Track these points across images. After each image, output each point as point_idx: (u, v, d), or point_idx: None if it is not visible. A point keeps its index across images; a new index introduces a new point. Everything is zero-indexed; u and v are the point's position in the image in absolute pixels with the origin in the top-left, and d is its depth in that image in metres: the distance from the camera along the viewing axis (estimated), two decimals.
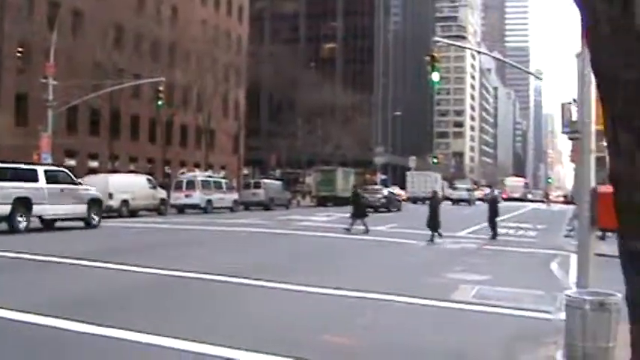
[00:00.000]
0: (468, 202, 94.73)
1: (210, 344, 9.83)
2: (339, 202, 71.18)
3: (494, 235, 32.86)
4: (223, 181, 59.02)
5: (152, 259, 19.82)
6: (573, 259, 19.43)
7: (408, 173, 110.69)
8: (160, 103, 57.81)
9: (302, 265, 21.13)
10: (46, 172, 31.79)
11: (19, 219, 29.28)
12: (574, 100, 24.96)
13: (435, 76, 39.30)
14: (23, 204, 29.41)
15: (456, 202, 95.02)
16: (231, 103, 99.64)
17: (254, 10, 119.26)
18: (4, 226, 29.24)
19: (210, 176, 58.76)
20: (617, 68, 4.88)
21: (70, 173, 34.50)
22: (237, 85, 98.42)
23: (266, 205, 62.04)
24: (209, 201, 52.96)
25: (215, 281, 16.30)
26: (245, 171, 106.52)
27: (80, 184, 34.76)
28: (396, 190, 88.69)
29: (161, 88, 56.50)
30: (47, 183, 31.00)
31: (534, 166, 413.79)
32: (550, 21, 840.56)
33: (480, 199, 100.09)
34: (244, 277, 16.60)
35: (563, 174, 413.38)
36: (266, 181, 68.27)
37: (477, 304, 14.33)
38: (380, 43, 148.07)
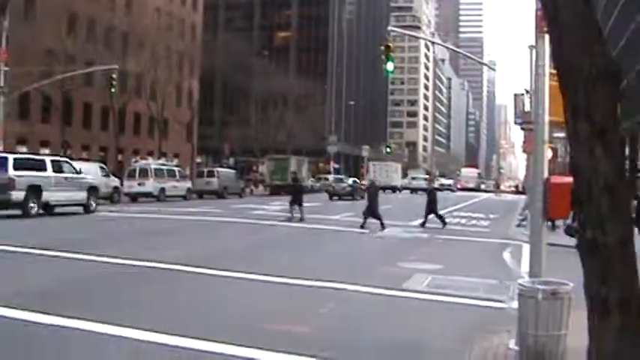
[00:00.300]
0: (426, 190, 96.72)
1: (167, 334, 9.82)
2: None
3: (444, 224, 33.30)
4: (177, 169, 58.85)
5: (119, 249, 19.75)
6: (525, 248, 19.63)
7: (370, 163, 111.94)
8: (113, 90, 57.39)
9: (257, 254, 21.08)
10: (52, 162, 35.11)
11: (31, 205, 32.46)
12: (527, 91, 25.22)
13: (390, 66, 39.44)
14: (35, 191, 32.56)
15: (415, 191, 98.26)
16: (185, 92, 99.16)
17: None
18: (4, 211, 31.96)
19: (163, 164, 58.49)
20: (579, 59, 4.94)
21: (72, 163, 37.96)
22: (191, 73, 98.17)
23: (219, 194, 61.87)
24: (162, 189, 52.74)
25: (173, 270, 16.26)
26: (198, 159, 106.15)
27: (80, 172, 37.47)
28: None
29: (114, 76, 56.06)
30: (53, 172, 34.29)
31: (487, 157, 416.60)
32: (504, 12, 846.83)
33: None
34: (200, 267, 16.58)
35: (516, 164, 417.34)
36: (220, 169, 68.29)
37: (430, 293, 14.42)
38: (334, 32, 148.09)
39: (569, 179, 5.68)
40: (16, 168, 31.58)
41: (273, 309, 12.47)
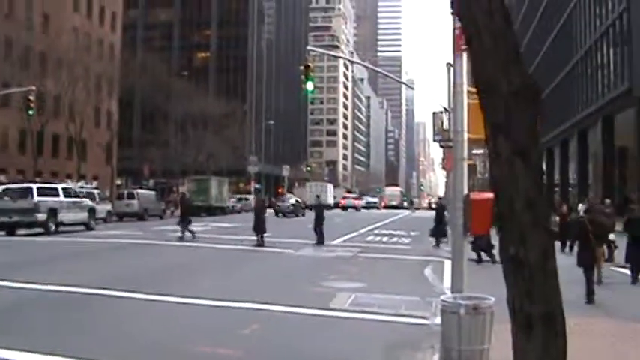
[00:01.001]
0: (356, 208, 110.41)
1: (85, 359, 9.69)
2: (213, 211, 72.31)
3: (321, 241, 34.01)
4: (96, 191, 58.00)
5: (37, 274, 19.39)
6: (446, 264, 19.82)
7: (307, 184, 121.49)
8: (30, 112, 56.48)
9: (180, 276, 20.91)
10: (62, 189, 42.40)
11: (50, 224, 39.09)
12: (445, 109, 25.49)
13: (309, 86, 39.36)
14: (53, 213, 39.27)
15: (346, 209, 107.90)
16: (104, 112, 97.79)
17: (127, 18, 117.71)
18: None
19: (82, 187, 57.62)
20: (498, 79, 5.01)
21: (75, 189, 46.37)
22: (110, 94, 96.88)
23: (140, 216, 61.19)
24: None
25: (92, 294, 16.00)
26: (118, 181, 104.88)
27: (82, 197, 44.61)
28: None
29: (32, 97, 55.15)
30: (64, 197, 41.10)
31: (407, 174, 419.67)
32: (422, 31, 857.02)
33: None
34: (119, 290, 16.37)
35: (436, 181, 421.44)
36: (140, 191, 67.42)
37: (353, 311, 14.45)
38: (253, 52, 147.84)
39: (489, 195, 5.74)
40: (39, 195, 38.46)
41: (195, 331, 12.35)
